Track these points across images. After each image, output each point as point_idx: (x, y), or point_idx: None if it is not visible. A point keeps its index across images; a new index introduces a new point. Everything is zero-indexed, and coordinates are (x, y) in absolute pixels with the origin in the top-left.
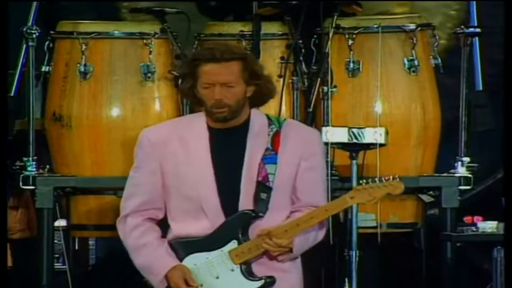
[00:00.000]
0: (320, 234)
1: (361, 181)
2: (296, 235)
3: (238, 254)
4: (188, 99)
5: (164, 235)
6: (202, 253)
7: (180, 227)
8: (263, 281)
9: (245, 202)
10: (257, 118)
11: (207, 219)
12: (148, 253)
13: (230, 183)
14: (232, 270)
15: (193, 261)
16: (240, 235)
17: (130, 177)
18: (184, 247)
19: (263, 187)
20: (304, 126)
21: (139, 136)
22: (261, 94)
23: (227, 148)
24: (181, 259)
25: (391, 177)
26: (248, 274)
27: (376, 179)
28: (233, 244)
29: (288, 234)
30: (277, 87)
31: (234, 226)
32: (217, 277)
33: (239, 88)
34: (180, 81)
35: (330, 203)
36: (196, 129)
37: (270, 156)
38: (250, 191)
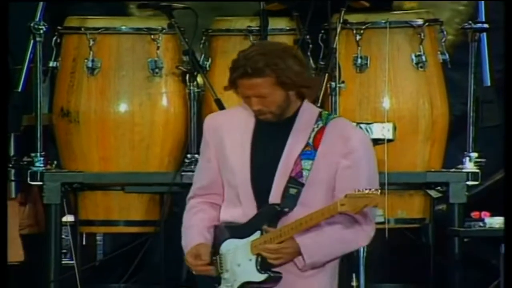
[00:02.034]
0: (354, 240)
1: (355, 190)
2: (289, 236)
3: (256, 245)
4: None
5: None
6: (235, 240)
7: (224, 212)
8: (266, 275)
9: (275, 195)
10: (306, 112)
11: (241, 207)
12: (187, 233)
13: (265, 174)
14: (250, 260)
15: (227, 246)
16: (264, 228)
17: (199, 161)
18: (225, 231)
19: (294, 182)
20: (349, 124)
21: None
22: (302, 94)
23: (269, 139)
24: (220, 243)
25: (373, 189)
26: (260, 265)
27: (366, 189)
28: (256, 235)
29: (281, 238)
30: None
31: (261, 217)
32: (239, 265)
33: (275, 96)
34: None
35: (325, 207)
36: (244, 117)
37: (309, 152)
38: (281, 185)
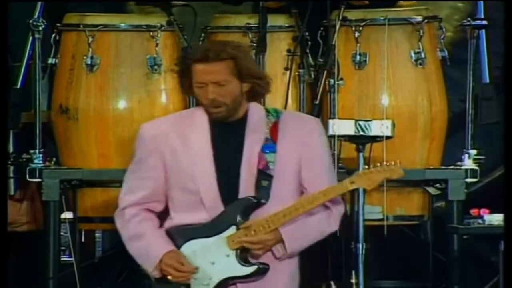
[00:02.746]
0: (327, 226)
1: (365, 167)
2: (278, 224)
3: (234, 239)
4: (190, 95)
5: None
6: (201, 239)
7: (180, 218)
8: (255, 267)
9: (246, 191)
10: (255, 111)
11: (205, 211)
12: (145, 240)
13: (230, 175)
14: (228, 256)
15: (190, 247)
16: (239, 221)
17: (131, 171)
18: (183, 234)
19: (263, 175)
20: (303, 115)
21: (139, 131)
22: (254, 90)
23: (227, 141)
24: (179, 246)
25: (392, 162)
26: (242, 259)
27: (378, 164)
28: (231, 230)
29: (269, 228)
30: (283, 80)
31: (234, 212)
32: (213, 263)
33: (232, 86)
34: (179, 79)
35: (328, 188)
36: (197, 122)
37: (269, 145)
38: (250, 180)
